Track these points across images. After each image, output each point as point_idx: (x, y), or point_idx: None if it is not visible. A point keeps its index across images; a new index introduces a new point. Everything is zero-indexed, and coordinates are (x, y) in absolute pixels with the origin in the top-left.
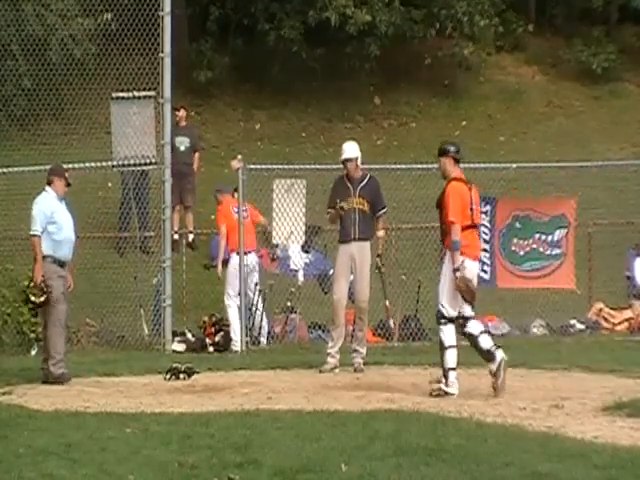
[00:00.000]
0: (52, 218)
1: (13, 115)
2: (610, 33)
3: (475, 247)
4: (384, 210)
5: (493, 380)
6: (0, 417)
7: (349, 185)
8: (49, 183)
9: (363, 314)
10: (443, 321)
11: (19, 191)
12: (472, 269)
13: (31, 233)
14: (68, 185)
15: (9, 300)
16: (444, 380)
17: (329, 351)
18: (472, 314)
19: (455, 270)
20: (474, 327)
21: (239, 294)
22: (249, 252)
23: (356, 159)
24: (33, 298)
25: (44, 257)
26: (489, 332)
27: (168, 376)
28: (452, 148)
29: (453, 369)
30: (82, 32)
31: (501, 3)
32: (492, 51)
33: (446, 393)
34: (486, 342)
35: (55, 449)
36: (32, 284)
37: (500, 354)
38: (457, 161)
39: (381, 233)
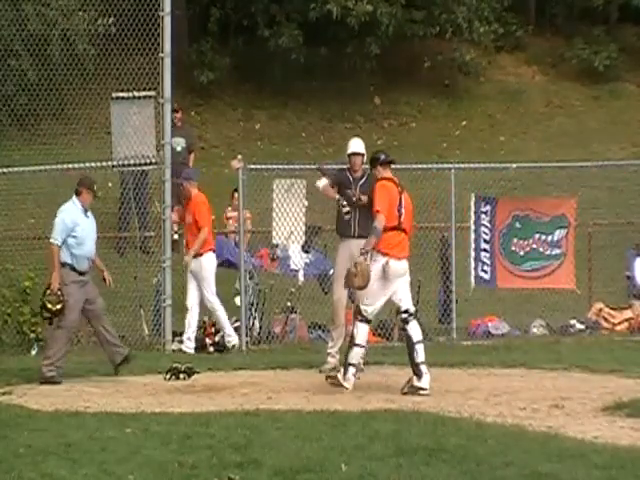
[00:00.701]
0: (74, 231)
1: (14, 114)
2: (610, 33)
3: (401, 248)
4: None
5: (409, 382)
6: (0, 417)
7: (351, 180)
8: (77, 194)
9: None
10: (360, 318)
11: (19, 191)
12: (397, 269)
13: (51, 241)
14: (95, 197)
15: (9, 300)
16: (342, 372)
17: (329, 351)
18: (412, 309)
19: (363, 252)
20: (415, 332)
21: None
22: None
23: (363, 155)
24: (49, 305)
25: (63, 264)
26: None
27: (168, 376)
28: (382, 157)
29: (354, 365)
30: (83, 25)
31: (501, 8)
32: (492, 58)
33: (340, 385)
34: (420, 355)
35: (55, 449)
36: (49, 291)
37: (426, 380)
38: (388, 165)
39: (365, 197)
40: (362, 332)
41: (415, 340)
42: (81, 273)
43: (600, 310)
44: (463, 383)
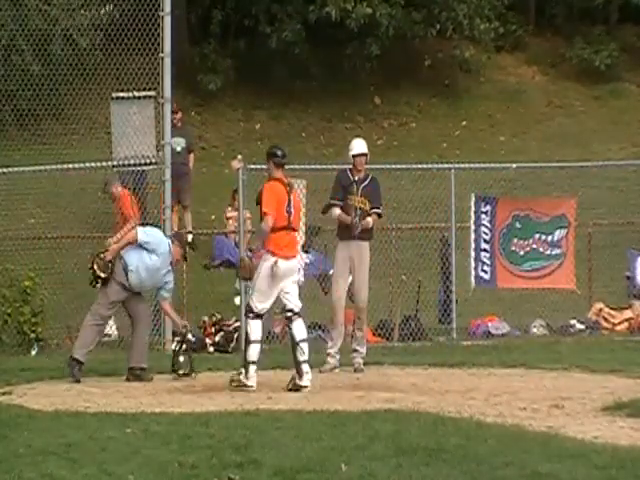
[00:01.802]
0: (148, 250)
1: (17, 111)
2: (610, 32)
3: (290, 248)
4: (378, 211)
5: (292, 380)
6: (0, 417)
7: (353, 182)
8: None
9: (362, 314)
10: (251, 315)
11: (19, 191)
12: (285, 269)
13: (135, 231)
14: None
15: (9, 300)
16: (244, 372)
17: (329, 351)
18: (297, 309)
19: (249, 249)
20: (298, 331)
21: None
22: None
23: (366, 156)
24: (96, 268)
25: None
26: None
27: (175, 344)
28: (279, 152)
29: (254, 363)
30: (86, 21)
31: (501, 6)
32: (492, 55)
33: (245, 385)
34: (302, 354)
35: (55, 449)
36: (102, 255)
37: (307, 378)
38: (281, 166)
39: (369, 219)
40: (256, 328)
41: (298, 339)
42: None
43: (600, 310)
44: (463, 383)
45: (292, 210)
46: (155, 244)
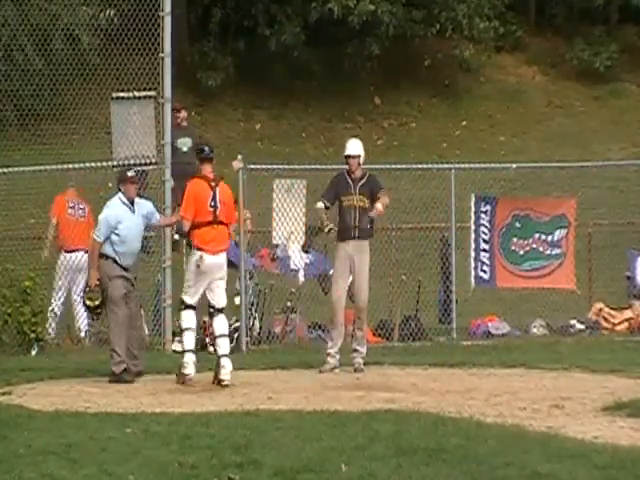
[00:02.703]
0: (117, 229)
1: (19, 109)
2: (611, 33)
3: (217, 243)
4: (383, 190)
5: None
6: (0, 417)
7: (350, 182)
8: (120, 188)
9: (362, 314)
10: (182, 307)
11: (19, 191)
12: (211, 263)
13: (93, 236)
14: (135, 182)
15: (9, 300)
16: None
17: (329, 351)
18: (219, 306)
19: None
20: (219, 326)
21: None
22: (76, 250)
23: (359, 157)
24: (88, 302)
25: (107, 257)
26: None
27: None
28: (205, 148)
29: (190, 351)
30: (87, 17)
31: (501, 5)
32: (492, 54)
33: (184, 375)
34: (222, 348)
35: (55, 449)
36: (87, 289)
37: (226, 372)
38: (207, 161)
39: (377, 205)
40: (187, 318)
41: (218, 334)
42: (125, 268)
43: (600, 310)
44: (463, 383)
45: (218, 205)
46: (114, 220)
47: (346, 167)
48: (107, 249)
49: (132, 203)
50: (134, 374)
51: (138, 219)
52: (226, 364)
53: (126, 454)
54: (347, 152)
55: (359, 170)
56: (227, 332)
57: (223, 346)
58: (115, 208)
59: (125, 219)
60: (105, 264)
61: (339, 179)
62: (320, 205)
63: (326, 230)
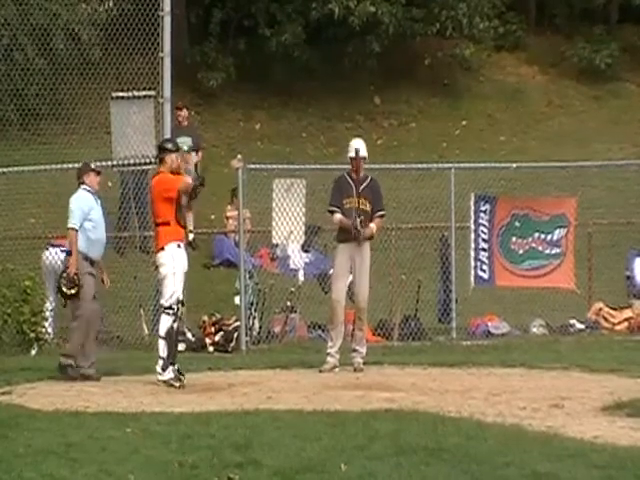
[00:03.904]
0: (89, 215)
1: (19, 109)
2: (611, 32)
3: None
4: (381, 213)
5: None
6: (0, 417)
7: (352, 184)
8: (83, 182)
9: (362, 314)
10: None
11: (19, 191)
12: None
13: (69, 226)
14: (98, 174)
15: (9, 300)
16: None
17: (329, 351)
18: (165, 304)
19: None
20: (160, 327)
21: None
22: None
23: (364, 158)
24: (64, 289)
25: (79, 253)
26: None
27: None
28: (169, 145)
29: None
30: (86, 14)
31: (501, 4)
32: (492, 52)
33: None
34: (160, 350)
35: (55, 449)
36: (64, 274)
37: (170, 373)
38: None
39: (372, 225)
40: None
41: (159, 334)
42: (92, 263)
43: (600, 310)
44: (463, 383)
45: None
46: (86, 205)
47: (346, 166)
48: (78, 243)
49: (95, 196)
50: (81, 375)
51: (102, 211)
52: (158, 365)
53: (126, 454)
54: (352, 154)
55: (362, 171)
56: (165, 335)
57: (160, 348)
58: (83, 197)
59: (94, 206)
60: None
61: (341, 182)
62: (338, 217)
63: (362, 234)
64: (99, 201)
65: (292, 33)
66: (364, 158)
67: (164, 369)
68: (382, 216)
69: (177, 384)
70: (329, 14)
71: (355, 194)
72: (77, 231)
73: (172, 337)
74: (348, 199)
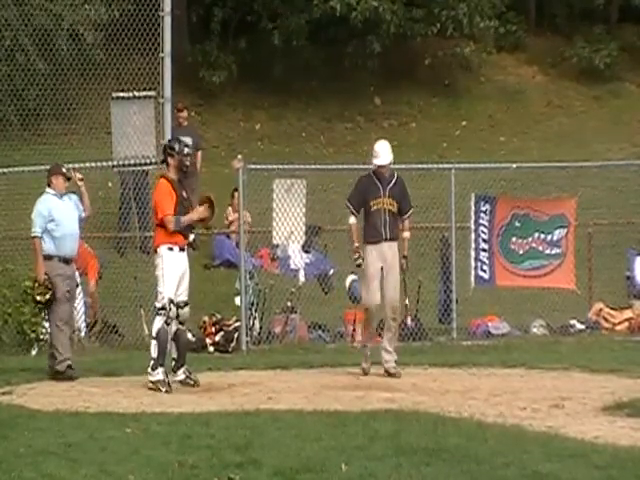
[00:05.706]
0: (50, 216)
1: (20, 110)
2: (610, 32)
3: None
4: (411, 211)
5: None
6: (0, 417)
7: (379, 185)
8: (48, 184)
9: (395, 313)
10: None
11: (19, 191)
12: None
13: (31, 235)
14: (68, 179)
15: (9, 300)
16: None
17: (363, 366)
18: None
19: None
20: (153, 326)
21: None
22: None
23: (389, 164)
24: (39, 297)
25: (49, 257)
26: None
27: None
28: (176, 148)
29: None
30: (89, 15)
31: (501, 4)
32: (492, 51)
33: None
34: (151, 350)
35: (55, 449)
36: (36, 284)
37: (159, 374)
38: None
39: (407, 234)
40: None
41: (151, 335)
42: (66, 261)
43: (600, 310)
44: (463, 383)
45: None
46: (46, 209)
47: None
48: (46, 247)
49: (61, 197)
50: (59, 372)
51: (68, 204)
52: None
53: (126, 454)
54: (379, 162)
55: (388, 171)
56: (155, 335)
57: (151, 349)
58: (44, 201)
59: (55, 205)
60: (47, 265)
61: (366, 183)
62: (353, 221)
63: (357, 263)
64: (68, 198)
65: (296, 24)
66: (389, 164)
67: (154, 369)
68: (411, 214)
69: (164, 389)
70: (331, 11)
71: (382, 195)
72: (39, 238)
73: (163, 338)
74: (375, 200)
